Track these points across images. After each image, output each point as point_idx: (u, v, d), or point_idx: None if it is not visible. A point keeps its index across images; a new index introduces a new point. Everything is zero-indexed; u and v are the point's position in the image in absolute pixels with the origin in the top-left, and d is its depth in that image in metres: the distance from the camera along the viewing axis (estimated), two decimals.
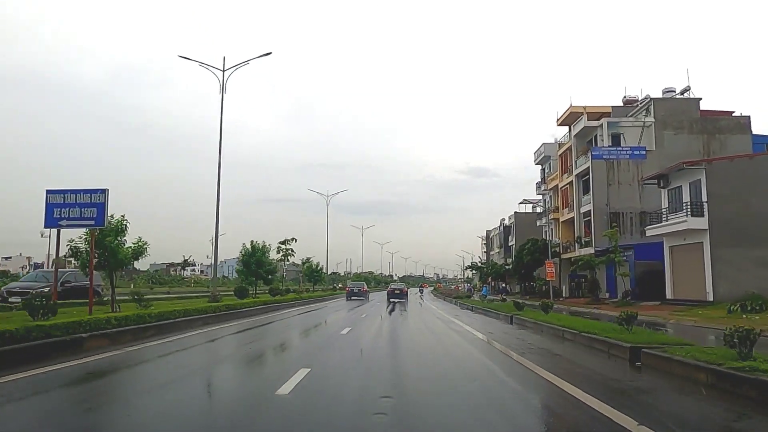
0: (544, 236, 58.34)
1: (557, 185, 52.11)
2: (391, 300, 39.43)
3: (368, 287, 53.19)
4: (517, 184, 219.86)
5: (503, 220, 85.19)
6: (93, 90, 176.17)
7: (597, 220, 42.20)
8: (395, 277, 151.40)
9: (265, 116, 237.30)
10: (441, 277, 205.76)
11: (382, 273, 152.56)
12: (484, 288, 79.29)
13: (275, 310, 23.41)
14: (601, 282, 43.54)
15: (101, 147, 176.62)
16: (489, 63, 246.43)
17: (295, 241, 37.08)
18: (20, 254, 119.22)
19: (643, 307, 30.62)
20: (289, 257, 36.84)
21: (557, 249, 50.72)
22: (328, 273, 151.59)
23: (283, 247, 36.75)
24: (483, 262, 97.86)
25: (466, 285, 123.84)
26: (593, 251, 40.86)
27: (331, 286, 69.51)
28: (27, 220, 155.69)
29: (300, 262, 45.93)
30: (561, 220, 50.92)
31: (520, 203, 77.96)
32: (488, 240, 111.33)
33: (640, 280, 36.01)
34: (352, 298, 44.69)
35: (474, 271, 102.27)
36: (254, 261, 29.39)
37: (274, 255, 36.77)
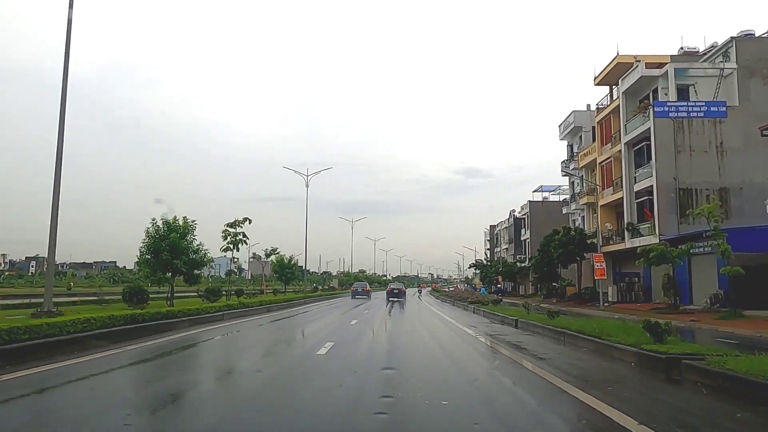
0: (572, 226, 47.79)
1: (595, 160, 41.35)
2: (390, 299, 43.55)
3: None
4: (511, 185, 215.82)
5: (513, 211, 74.52)
6: (84, 86, 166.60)
7: (661, 199, 31.47)
8: (389, 277, 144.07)
9: (259, 116, 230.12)
10: (436, 276, 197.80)
11: (375, 273, 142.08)
12: (482, 289, 68.88)
13: (158, 333, 12.34)
14: (659, 281, 33.01)
15: (94, 144, 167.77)
16: (482, 59, 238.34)
17: (249, 222, 26.15)
18: None
19: (762, 320, 19.97)
20: (239, 245, 25.91)
21: (594, 240, 40.01)
22: (319, 272, 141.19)
23: (230, 230, 25.80)
24: (488, 259, 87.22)
25: (465, 285, 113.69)
26: (657, 240, 30.13)
27: (312, 286, 57.96)
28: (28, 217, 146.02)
29: (264, 254, 34.66)
30: (601, 203, 40.15)
31: (535, 191, 67.40)
32: (492, 236, 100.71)
33: (736, 279, 25.33)
34: (356, 296, 49.74)
35: (477, 270, 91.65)
36: (166, 246, 18.48)
37: (214, 242, 25.97)
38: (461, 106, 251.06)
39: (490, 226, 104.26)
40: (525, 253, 67.15)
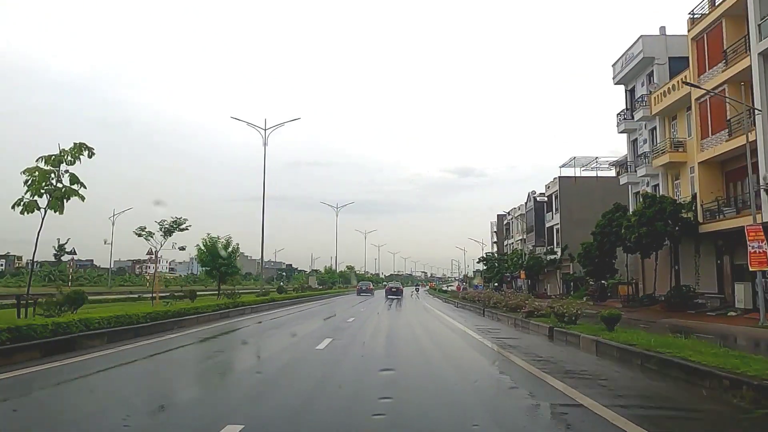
0: (638, 200, 34.62)
1: (686, 98, 27.80)
2: (389, 297, 48.87)
3: (343, 287, 64.85)
4: (505, 183, 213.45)
5: (533, 194, 61.01)
6: (75, 85, 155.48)
7: None
8: (382, 275, 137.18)
9: (252, 117, 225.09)
10: (430, 275, 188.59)
11: (366, 271, 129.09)
12: (480, 287, 58.06)
13: None
14: None
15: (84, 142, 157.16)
16: (476, 58, 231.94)
17: (90, 154, 12.39)
18: None
19: None
20: (64, 199, 12.17)
21: (689, 215, 26.55)
22: (308, 270, 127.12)
23: (43, 169, 12.05)
24: (499, 253, 73.93)
25: (464, 284, 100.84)
26: None
27: (263, 287, 41.93)
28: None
29: (158, 230, 19.53)
30: (700, 160, 26.68)
31: (563, 166, 53.70)
32: (501, 227, 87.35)
33: None
34: (361, 294, 56.43)
35: (485, 266, 78.32)
36: None
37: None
38: (454, 105, 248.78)
39: (498, 215, 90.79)
40: (551, 243, 53.71)
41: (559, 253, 48.41)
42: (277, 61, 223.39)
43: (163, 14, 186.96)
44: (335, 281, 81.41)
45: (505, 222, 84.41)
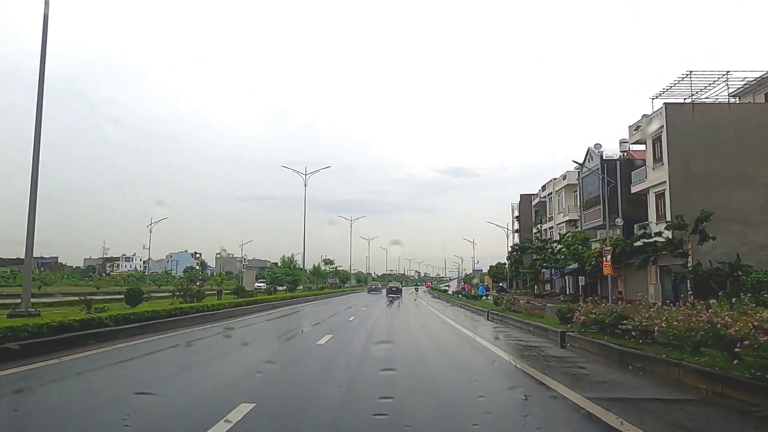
0: None
1: None
2: (390, 296, 54.78)
3: (316, 290, 59.48)
4: (499, 184, 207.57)
5: (597, 147, 40.76)
6: (66, 83, 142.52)
7: None
8: (373, 275, 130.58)
9: (244, 116, 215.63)
10: (424, 275, 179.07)
11: (358, 270, 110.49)
12: (481, 287, 51.54)
13: None
14: None
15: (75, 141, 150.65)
16: (468, 58, 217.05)
17: None
18: None
19: None
20: None
21: None
22: (246, 263, 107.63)
23: None
24: (545, 240, 53.53)
25: (464, 285, 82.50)
26: None
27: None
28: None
29: None
30: None
31: (658, 96, 33.19)
32: (527, 210, 67.29)
33: None
34: (371, 292, 67.82)
35: (510, 260, 58.31)
36: None
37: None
38: (446, 105, 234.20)
39: (522, 195, 70.81)
40: (640, 218, 33.46)
41: (680, 231, 27.94)
42: (272, 59, 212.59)
43: (161, 11, 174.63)
44: (297, 279, 59.10)
45: (534, 203, 64.30)
